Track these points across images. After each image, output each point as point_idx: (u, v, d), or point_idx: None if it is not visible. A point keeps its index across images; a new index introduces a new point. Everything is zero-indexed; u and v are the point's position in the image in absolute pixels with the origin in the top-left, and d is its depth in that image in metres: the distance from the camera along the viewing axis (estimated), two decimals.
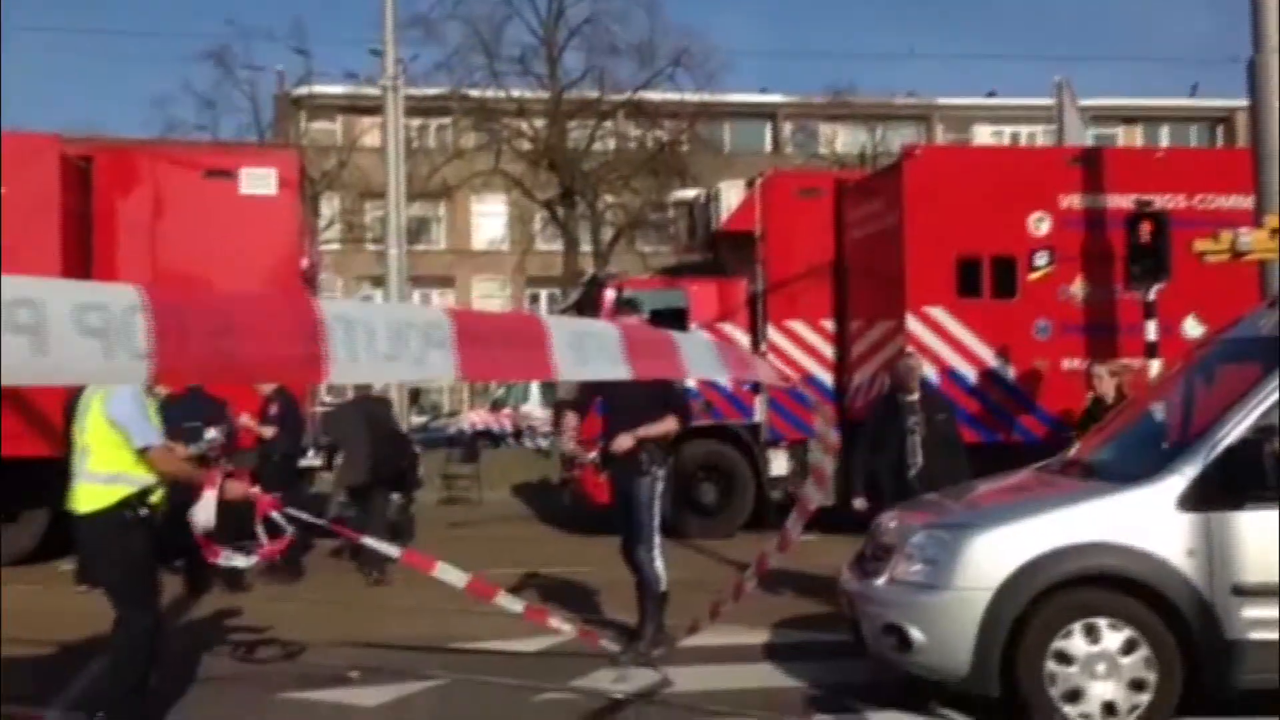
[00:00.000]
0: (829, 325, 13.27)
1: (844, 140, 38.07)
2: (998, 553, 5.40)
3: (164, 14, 52.21)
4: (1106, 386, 8.71)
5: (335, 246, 32.81)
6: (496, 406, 31.65)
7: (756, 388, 12.71)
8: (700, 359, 4.72)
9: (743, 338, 13.25)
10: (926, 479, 7.59)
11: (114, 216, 11.30)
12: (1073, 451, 6.75)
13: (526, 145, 32.33)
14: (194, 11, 52.07)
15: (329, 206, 32.93)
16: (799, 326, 13.26)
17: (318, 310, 2.79)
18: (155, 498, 5.43)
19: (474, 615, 7.70)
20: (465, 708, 6.18)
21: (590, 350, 3.83)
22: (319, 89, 34.31)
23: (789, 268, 13.17)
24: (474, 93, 31.45)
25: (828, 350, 13.25)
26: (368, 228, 33.65)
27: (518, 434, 28.64)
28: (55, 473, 6.27)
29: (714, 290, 13.56)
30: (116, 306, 2.33)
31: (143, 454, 5.32)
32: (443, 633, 7.71)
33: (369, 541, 7.06)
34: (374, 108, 23.38)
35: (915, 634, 5.45)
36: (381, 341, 2.95)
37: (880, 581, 5.76)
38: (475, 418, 30.77)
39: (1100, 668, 5.27)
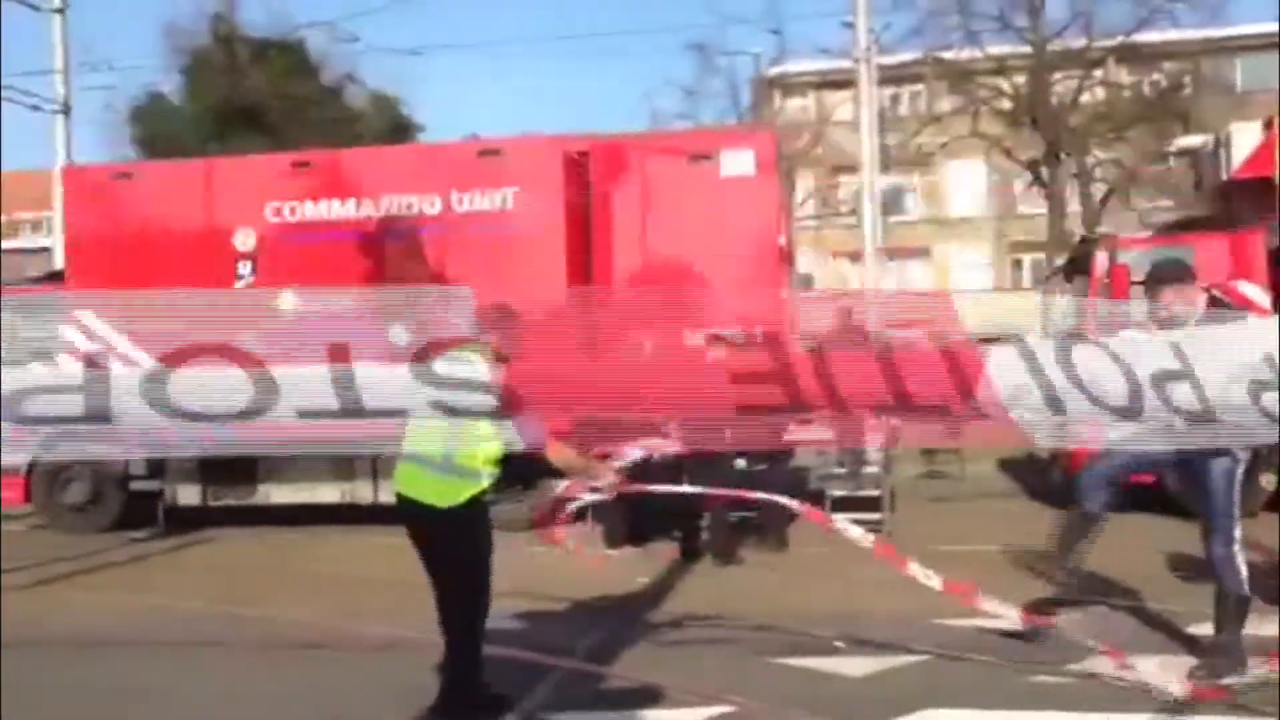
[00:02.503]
0: None
1: None
2: None
3: (653, 11, 55.41)
4: None
5: (810, 222, 33.30)
6: None
7: None
8: None
9: (1263, 298, 11.83)
10: None
11: (608, 205, 12.14)
12: None
13: (1006, 104, 30.96)
14: (679, 6, 54.75)
15: (803, 182, 33.46)
16: None
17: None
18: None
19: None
20: (951, 683, 6.00)
21: None
22: (792, 68, 34.91)
23: None
24: (948, 55, 30.56)
25: None
26: (842, 202, 33.84)
27: None
28: None
29: (1226, 245, 12.15)
30: None
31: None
32: (928, 608, 7.54)
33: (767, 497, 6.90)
34: (847, 81, 23.40)
35: None
36: None
37: None
38: None
39: None
